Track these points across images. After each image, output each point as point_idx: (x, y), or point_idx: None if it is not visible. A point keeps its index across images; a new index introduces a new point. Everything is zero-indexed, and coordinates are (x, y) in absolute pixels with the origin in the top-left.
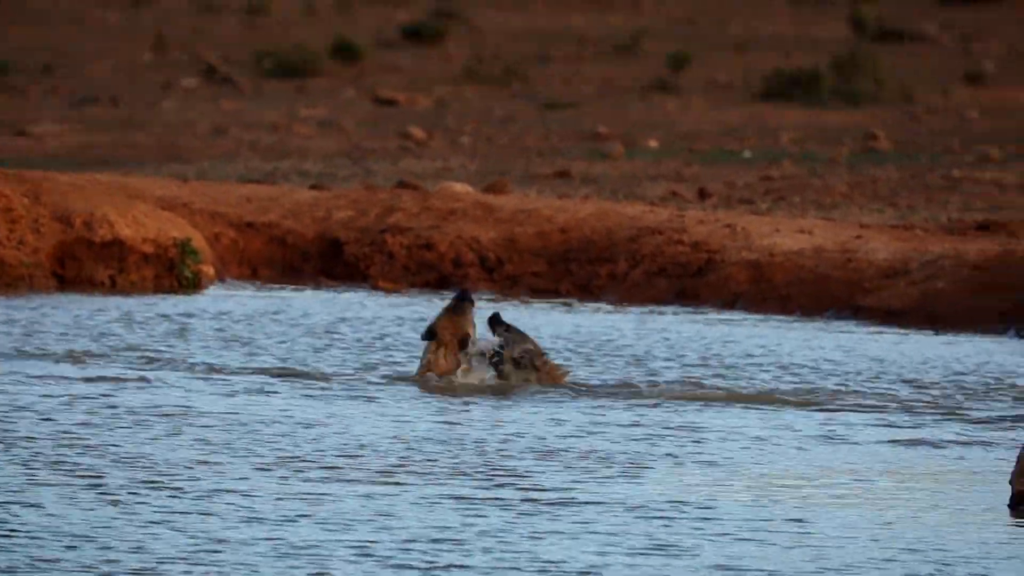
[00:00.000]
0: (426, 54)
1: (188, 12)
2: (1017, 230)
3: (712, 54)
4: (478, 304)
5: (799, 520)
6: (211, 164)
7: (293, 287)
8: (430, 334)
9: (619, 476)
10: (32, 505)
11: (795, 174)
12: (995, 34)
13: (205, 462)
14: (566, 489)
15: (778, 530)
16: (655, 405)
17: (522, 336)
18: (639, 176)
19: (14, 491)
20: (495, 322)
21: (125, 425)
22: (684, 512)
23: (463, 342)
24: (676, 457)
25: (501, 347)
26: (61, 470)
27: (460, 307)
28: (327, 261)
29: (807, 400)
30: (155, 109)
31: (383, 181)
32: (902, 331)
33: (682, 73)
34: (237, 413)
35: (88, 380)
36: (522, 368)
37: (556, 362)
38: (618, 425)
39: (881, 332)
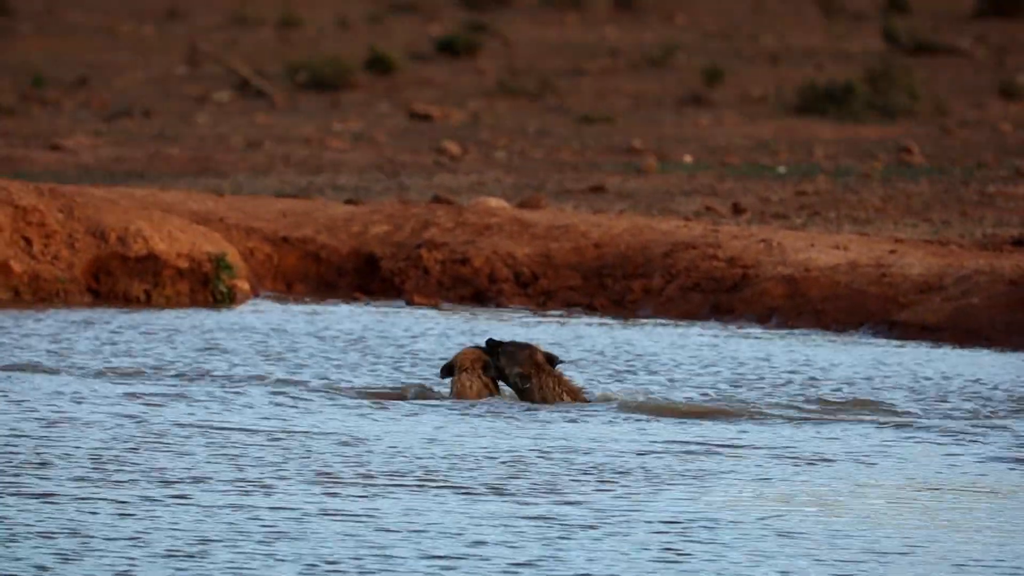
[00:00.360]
0: (460, 67)
1: (221, 25)
2: None
3: (745, 68)
4: (513, 320)
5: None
6: (245, 178)
7: (328, 302)
8: (447, 371)
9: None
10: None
11: (829, 189)
12: None
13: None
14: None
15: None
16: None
17: (516, 354)
18: (673, 191)
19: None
20: (492, 345)
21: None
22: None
23: (486, 366)
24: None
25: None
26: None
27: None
28: (362, 276)
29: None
30: (188, 122)
31: (417, 196)
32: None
33: (716, 87)
34: (349, 431)
35: (162, 396)
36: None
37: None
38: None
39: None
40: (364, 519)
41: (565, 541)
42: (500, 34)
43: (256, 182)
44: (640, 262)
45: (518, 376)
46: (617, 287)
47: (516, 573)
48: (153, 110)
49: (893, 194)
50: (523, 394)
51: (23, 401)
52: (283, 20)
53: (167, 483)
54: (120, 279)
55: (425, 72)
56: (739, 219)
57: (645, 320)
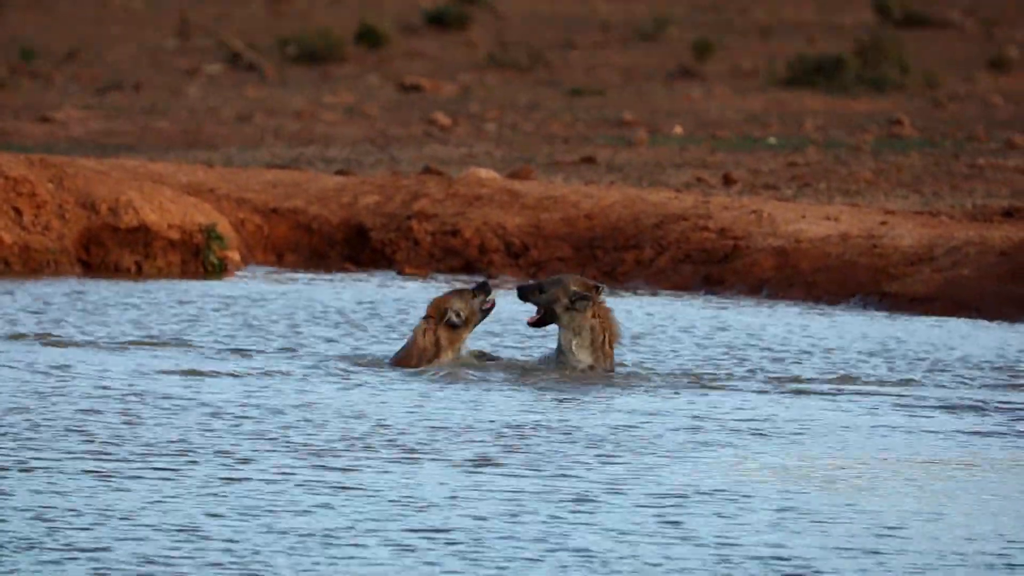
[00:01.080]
0: (450, 40)
1: None
2: None
3: (736, 41)
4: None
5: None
6: (236, 151)
7: (318, 272)
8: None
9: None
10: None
11: (820, 160)
12: (1019, 20)
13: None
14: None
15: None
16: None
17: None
18: (664, 163)
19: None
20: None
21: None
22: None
23: (447, 314)
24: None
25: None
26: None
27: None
28: (352, 247)
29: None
30: (179, 95)
31: (408, 167)
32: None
33: (706, 60)
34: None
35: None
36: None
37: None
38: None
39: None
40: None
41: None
42: (491, 6)
43: (247, 155)
44: (631, 233)
45: (576, 297)
46: (608, 259)
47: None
48: (144, 83)
49: (884, 166)
50: (572, 321)
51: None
52: None
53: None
54: (111, 250)
55: (416, 45)
56: (730, 190)
57: (641, 292)
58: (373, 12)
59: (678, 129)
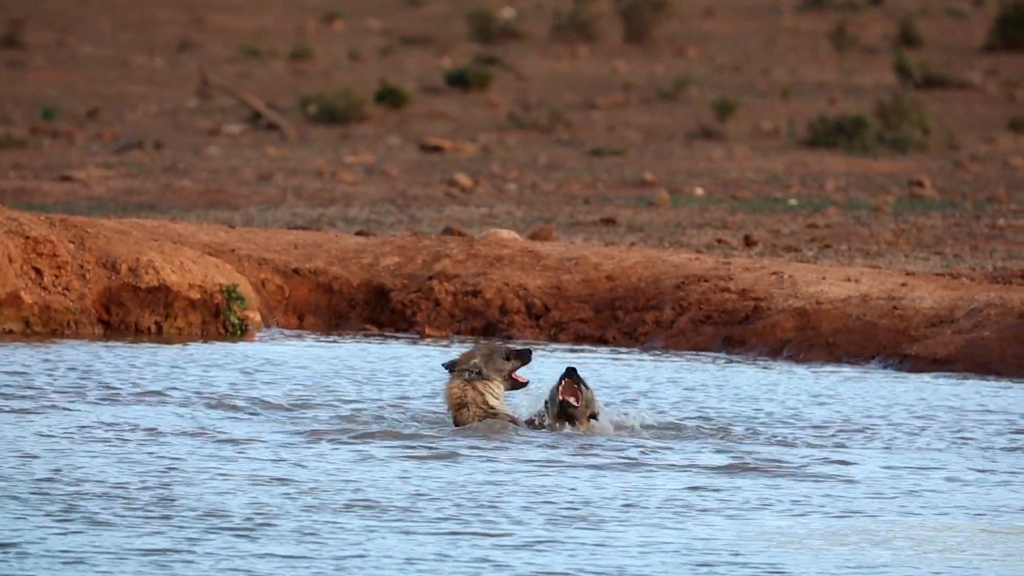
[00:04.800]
0: (471, 100)
1: (233, 58)
2: None
3: (757, 101)
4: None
5: None
6: (256, 210)
7: (341, 334)
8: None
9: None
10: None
11: (840, 222)
12: None
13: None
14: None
15: None
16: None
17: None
18: (684, 224)
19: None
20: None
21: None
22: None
23: (474, 369)
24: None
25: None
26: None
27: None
28: (373, 308)
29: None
30: (200, 155)
31: (428, 228)
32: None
33: (727, 120)
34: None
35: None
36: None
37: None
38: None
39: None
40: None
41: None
42: (512, 67)
43: (267, 214)
44: (652, 294)
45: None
46: (628, 319)
47: None
48: (164, 142)
49: (904, 227)
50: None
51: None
52: (295, 52)
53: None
54: (131, 310)
55: (436, 105)
56: (751, 252)
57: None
58: (394, 72)
59: (699, 190)
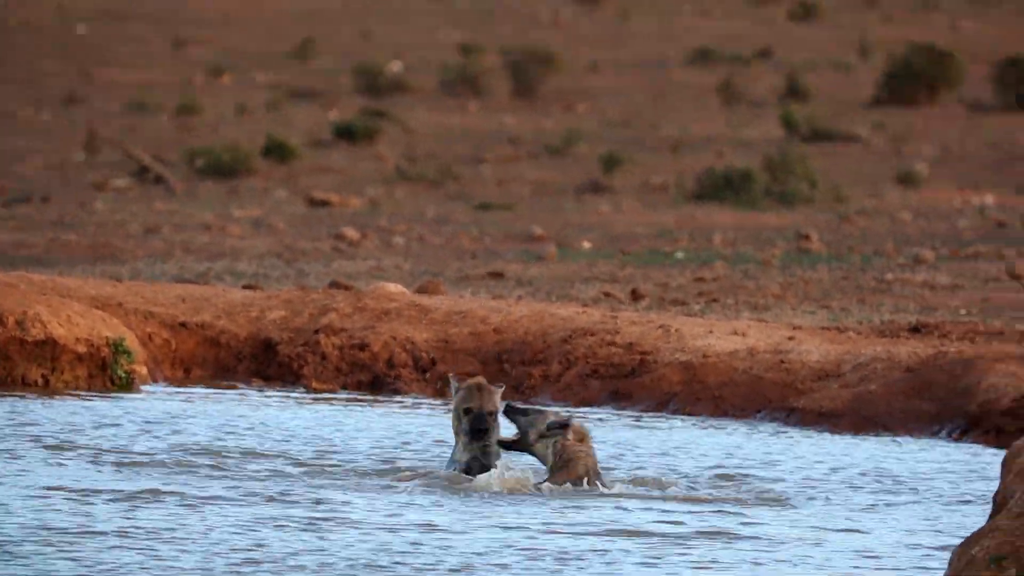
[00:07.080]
0: (359, 154)
1: (120, 112)
2: (949, 332)
3: (645, 155)
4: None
5: None
6: (144, 264)
7: (227, 388)
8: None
9: None
10: None
11: (728, 275)
12: (926, 136)
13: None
14: None
15: None
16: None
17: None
18: (573, 278)
19: None
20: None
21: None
22: None
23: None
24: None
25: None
26: None
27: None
28: (260, 362)
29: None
30: (87, 208)
31: (316, 282)
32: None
33: (616, 174)
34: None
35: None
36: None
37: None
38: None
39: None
40: None
41: None
42: (399, 121)
43: (155, 268)
44: (539, 348)
45: (551, 430)
46: (516, 373)
47: None
48: (52, 196)
49: (792, 281)
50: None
51: None
52: (182, 107)
53: None
54: (18, 363)
55: (324, 159)
56: (638, 305)
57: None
58: (282, 126)
59: (587, 244)
